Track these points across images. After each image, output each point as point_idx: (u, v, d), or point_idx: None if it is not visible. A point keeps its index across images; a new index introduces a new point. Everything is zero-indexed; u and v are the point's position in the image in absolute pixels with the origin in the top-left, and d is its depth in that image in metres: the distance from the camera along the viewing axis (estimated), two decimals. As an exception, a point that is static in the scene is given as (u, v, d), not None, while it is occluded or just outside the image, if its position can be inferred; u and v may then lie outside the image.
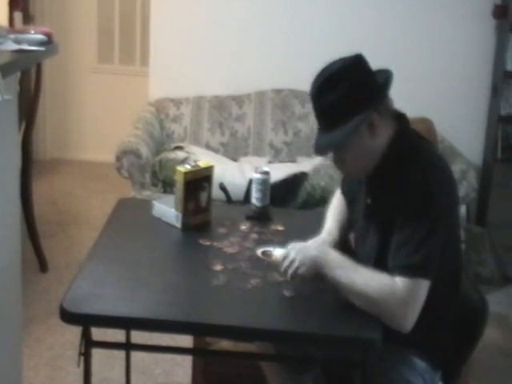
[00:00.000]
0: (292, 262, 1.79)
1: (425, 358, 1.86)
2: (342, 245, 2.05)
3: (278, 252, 1.99)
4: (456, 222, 1.90)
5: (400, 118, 1.89)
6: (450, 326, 1.91)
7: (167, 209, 2.19)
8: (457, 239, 1.92)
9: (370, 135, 1.82)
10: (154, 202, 2.26)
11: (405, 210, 1.75)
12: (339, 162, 1.89)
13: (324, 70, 1.86)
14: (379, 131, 1.82)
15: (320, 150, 1.91)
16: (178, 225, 2.15)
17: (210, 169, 2.21)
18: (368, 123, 1.80)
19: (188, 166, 2.17)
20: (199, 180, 2.17)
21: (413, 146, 1.86)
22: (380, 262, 1.78)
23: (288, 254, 1.82)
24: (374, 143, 1.83)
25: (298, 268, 1.78)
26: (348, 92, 1.81)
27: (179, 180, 2.13)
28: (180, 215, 2.14)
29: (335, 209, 2.15)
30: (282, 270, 1.82)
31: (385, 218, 1.82)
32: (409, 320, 1.70)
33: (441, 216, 1.75)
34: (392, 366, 1.82)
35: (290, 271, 1.79)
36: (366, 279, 1.72)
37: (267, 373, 2.11)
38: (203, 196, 2.19)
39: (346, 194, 2.12)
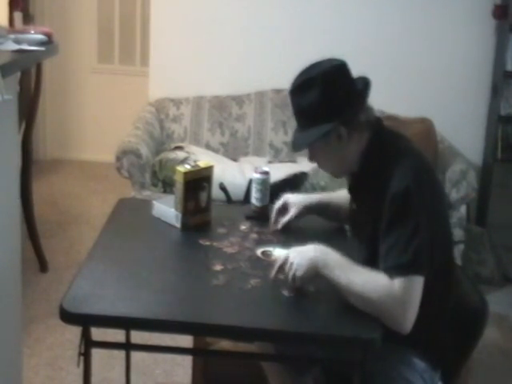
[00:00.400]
0: (291, 265, 1.78)
1: (424, 358, 1.86)
2: (326, 207, 2.20)
3: (277, 252, 1.99)
4: (441, 216, 1.90)
5: (376, 122, 1.93)
6: (449, 326, 1.91)
7: (167, 209, 2.19)
8: (444, 234, 1.91)
9: (338, 144, 1.88)
10: (154, 202, 2.26)
11: (387, 214, 1.78)
12: (313, 159, 1.98)
13: (304, 72, 1.91)
14: (349, 141, 1.88)
15: (293, 146, 1.98)
16: (178, 225, 2.15)
17: (209, 169, 2.21)
18: (336, 134, 1.86)
19: (188, 166, 2.17)
20: (199, 180, 2.17)
21: (388, 150, 1.89)
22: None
23: (286, 257, 1.81)
24: (345, 151, 1.90)
25: (296, 270, 1.77)
26: (320, 99, 1.85)
27: (179, 180, 2.13)
28: (180, 215, 2.14)
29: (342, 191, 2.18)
30: (281, 273, 1.81)
31: (369, 224, 1.86)
32: (407, 320, 1.70)
33: (422, 212, 1.76)
34: (392, 366, 1.82)
35: (291, 274, 1.78)
36: (363, 280, 1.72)
37: (268, 373, 2.11)
38: (203, 196, 2.18)
39: None
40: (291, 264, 1.78)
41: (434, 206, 1.84)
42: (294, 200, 2.21)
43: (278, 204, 2.21)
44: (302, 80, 1.88)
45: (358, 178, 1.95)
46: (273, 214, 2.21)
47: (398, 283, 1.69)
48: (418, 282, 1.71)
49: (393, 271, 1.71)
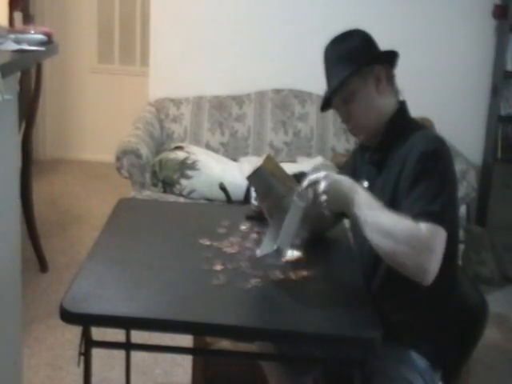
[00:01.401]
0: (323, 189, 1.78)
1: (425, 358, 1.86)
2: None
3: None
4: (455, 188, 1.89)
5: (402, 101, 2.00)
6: (450, 326, 1.91)
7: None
8: (456, 205, 1.92)
9: (376, 90, 1.92)
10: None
11: (412, 172, 1.78)
12: (346, 114, 1.95)
13: (341, 33, 2.00)
14: (385, 91, 1.93)
15: (329, 94, 1.95)
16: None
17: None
18: (375, 77, 1.92)
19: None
20: None
21: (412, 123, 1.95)
22: None
23: (319, 179, 1.80)
24: (379, 101, 1.93)
25: (325, 199, 1.78)
26: (362, 43, 1.96)
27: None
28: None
29: None
30: (306, 188, 1.82)
31: (385, 195, 1.84)
32: (432, 268, 1.68)
33: (448, 175, 1.79)
34: (392, 366, 1.82)
35: (318, 197, 1.78)
36: (392, 221, 1.72)
37: (268, 372, 2.11)
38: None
39: None
40: (324, 189, 1.78)
41: (454, 179, 1.86)
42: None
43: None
44: (343, 32, 1.97)
45: (378, 149, 1.94)
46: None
47: (424, 228, 1.68)
48: (442, 234, 1.70)
49: (420, 217, 1.70)
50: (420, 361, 1.85)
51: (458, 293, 1.93)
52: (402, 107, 1.97)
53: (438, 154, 1.78)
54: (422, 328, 1.75)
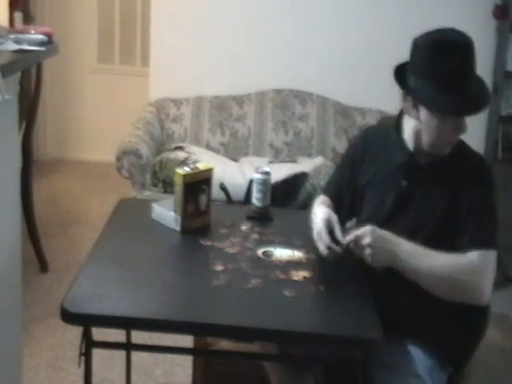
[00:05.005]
0: (369, 245, 1.79)
1: (433, 357, 1.87)
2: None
3: (278, 252, 1.99)
4: None
5: None
6: (457, 325, 1.92)
7: (166, 212, 2.18)
8: None
9: None
10: (153, 205, 2.24)
11: (474, 196, 1.88)
12: (463, 127, 1.93)
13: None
14: None
15: (478, 107, 1.92)
16: (178, 228, 2.13)
17: (209, 171, 2.20)
18: None
19: (187, 169, 2.16)
20: (199, 182, 2.15)
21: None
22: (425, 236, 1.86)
23: (365, 234, 1.80)
24: None
25: (371, 255, 1.79)
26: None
27: (178, 182, 2.12)
28: (179, 218, 2.13)
29: (322, 202, 2.15)
30: (350, 243, 1.83)
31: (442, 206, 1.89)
32: (487, 290, 1.82)
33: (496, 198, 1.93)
34: (399, 364, 1.83)
35: (363, 252, 1.80)
36: (443, 262, 1.79)
37: (269, 372, 2.11)
38: (203, 199, 2.17)
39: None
40: (370, 243, 1.79)
41: None
42: (331, 216, 1.97)
43: (323, 225, 1.92)
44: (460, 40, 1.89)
45: (442, 161, 1.95)
46: (324, 238, 1.90)
47: (479, 256, 1.80)
48: (494, 255, 1.85)
49: (477, 245, 1.81)
50: (428, 359, 1.86)
51: None
52: None
53: (493, 184, 1.94)
54: (431, 327, 1.78)
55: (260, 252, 2.02)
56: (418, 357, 1.86)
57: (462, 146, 1.96)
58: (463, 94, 1.85)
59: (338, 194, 2.15)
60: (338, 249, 1.85)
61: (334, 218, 1.93)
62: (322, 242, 1.88)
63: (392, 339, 1.74)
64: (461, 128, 1.90)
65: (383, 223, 1.91)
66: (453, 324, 1.92)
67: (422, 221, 1.92)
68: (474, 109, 1.90)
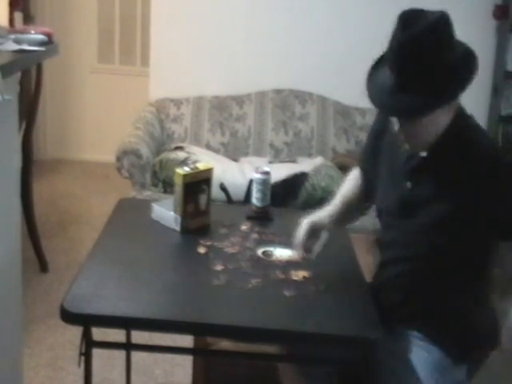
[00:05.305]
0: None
1: (449, 356, 1.85)
2: (343, 216, 2.06)
3: (278, 252, 1.99)
4: None
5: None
6: (477, 328, 1.92)
7: (166, 212, 2.18)
8: None
9: (446, 112, 1.84)
10: (153, 205, 2.25)
11: (495, 186, 1.76)
12: (405, 131, 1.79)
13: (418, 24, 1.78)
14: (452, 109, 1.86)
15: (398, 112, 1.77)
16: (177, 228, 2.14)
17: (209, 171, 2.20)
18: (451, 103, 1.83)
19: (187, 169, 2.16)
20: (198, 182, 2.16)
21: (471, 125, 1.91)
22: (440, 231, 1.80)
23: None
24: (444, 120, 1.83)
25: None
26: (452, 63, 1.86)
27: (178, 182, 2.12)
28: (179, 218, 2.13)
29: (348, 184, 2.12)
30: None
31: (440, 201, 1.80)
32: None
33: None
34: (410, 362, 1.84)
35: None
36: None
37: (281, 370, 2.10)
38: (202, 199, 2.17)
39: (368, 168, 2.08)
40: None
41: None
42: (322, 222, 1.99)
43: (305, 229, 1.95)
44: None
45: (432, 156, 1.83)
46: (300, 240, 1.95)
47: None
48: None
49: None
50: (444, 358, 1.84)
51: (485, 298, 1.98)
52: (459, 111, 1.92)
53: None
54: (449, 327, 1.79)
55: (260, 252, 2.02)
56: (431, 356, 1.85)
57: (464, 139, 1.84)
58: (391, 89, 1.77)
59: (365, 165, 2.10)
60: (300, 254, 1.93)
61: (324, 226, 1.98)
62: (296, 240, 1.95)
63: (399, 333, 1.73)
64: (399, 130, 1.76)
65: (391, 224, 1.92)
66: (475, 328, 1.91)
67: (429, 223, 1.84)
68: (388, 110, 1.78)
